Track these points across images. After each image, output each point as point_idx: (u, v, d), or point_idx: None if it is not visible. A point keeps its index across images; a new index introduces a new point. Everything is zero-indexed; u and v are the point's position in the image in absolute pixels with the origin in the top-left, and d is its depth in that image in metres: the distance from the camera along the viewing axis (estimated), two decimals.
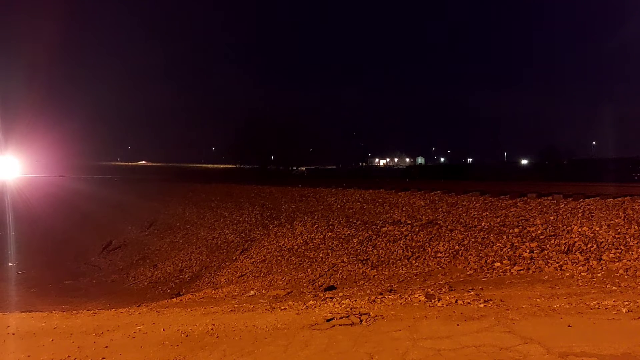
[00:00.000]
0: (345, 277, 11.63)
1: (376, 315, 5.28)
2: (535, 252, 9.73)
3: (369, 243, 13.41)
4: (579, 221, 10.48)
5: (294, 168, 69.42)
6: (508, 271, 9.23)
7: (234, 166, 74.85)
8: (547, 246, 9.83)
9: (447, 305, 5.74)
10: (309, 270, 12.93)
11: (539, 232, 10.61)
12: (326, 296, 8.22)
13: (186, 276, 16.62)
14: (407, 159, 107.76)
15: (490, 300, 5.94)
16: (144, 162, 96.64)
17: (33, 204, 29.86)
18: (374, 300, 6.42)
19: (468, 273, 9.70)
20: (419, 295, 6.57)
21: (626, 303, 5.33)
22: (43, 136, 54.56)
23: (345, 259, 12.84)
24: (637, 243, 8.80)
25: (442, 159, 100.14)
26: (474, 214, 12.99)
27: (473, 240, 11.37)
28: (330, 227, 15.69)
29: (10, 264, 20.78)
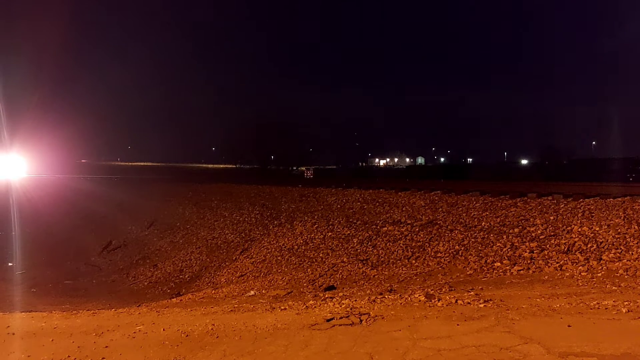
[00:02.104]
0: (345, 277, 11.63)
1: (376, 315, 5.27)
2: (535, 252, 9.73)
3: (369, 243, 13.41)
4: (579, 221, 10.49)
5: (294, 168, 69.47)
6: (508, 271, 9.23)
7: (234, 166, 75.00)
8: (547, 246, 9.83)
9: (447, 305, 5.74)
10: (309, 270, 12.93)
11: (539, 232, 10.61)
12: (326, 296, 8.22)
13: (186, 276, 16.62)
14: (407, 159, 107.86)
15: (490, 300, 5.94)
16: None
17: (35, 203, 29.89)
18: (374, 300, 6.41)
19: (468, 273, 9.70)
20: (419, 295, 6.57)
21: (626, 303, 5.33)
22: (48, 135, 54.66)
23: (345, 259, 12.83)
24: (637, 243, 8.80)
25: (442, 159, 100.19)
26: (474, 214, 12.99)
27: (473, 240, 11.37)
28: (330, 227, 15.69)
29: (10, 264, 20.77)
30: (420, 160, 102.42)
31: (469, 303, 5.79)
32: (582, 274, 8.06)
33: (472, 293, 6.91)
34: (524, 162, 64.79)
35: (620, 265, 8.10)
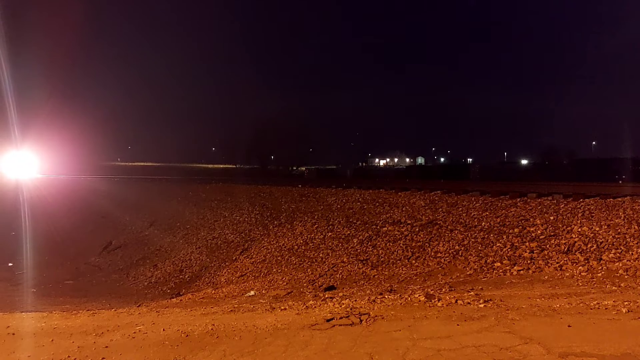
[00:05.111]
0: (345, 277, 11.63)
1: (376, 315, 5.27)
2: (535, 252, 9.73)
3: (369, 243, 13.40)
4: (579, 221, 10.49)
5: (294, 168, 69.51)
6: (508, 271, 9.23)
7: (234, 166, 75.07)
8: (547, 246, 9.83)
9: (447, 305, 5.74)
10: (309, 270, 12.92)
11: (539, 232, 10.61)
12: (326, 296, 8.22)
13: (186, 276, 16.62)
14: (407, 159, 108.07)
15: (490, 300, 5.94)
16: None
17: (37, 204, 29.94)
18: (374, 300, 6.42)
19: (468, 273, 9.70)
20: (419, 295, 6.57)
21: (626, 303, 5.33)
22: (56, 134, 54.84)
23: (345, 259, 12.83)
24: (637, 243, 8.80)
25: (442, 159, 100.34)
26: (474, 214, 12.99)
27: (473, 240, 11.37)
28: (330, 227, 15.69)
29: (10, 264, 20.77)
30: (420, 160, 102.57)
31: (469, 303, 5.79)
32: (582, 274, 8.06)
33: (472, 293, 6.91)
34: (524, 162, 64.94)
35: (620, 265, 8.10)
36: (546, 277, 8.23)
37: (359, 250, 13.18)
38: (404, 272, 10.84)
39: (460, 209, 13.81)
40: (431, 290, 7.66)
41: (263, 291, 11.37)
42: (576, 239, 9.65)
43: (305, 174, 56.78)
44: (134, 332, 5.18)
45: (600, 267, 8.24)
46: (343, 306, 6.00)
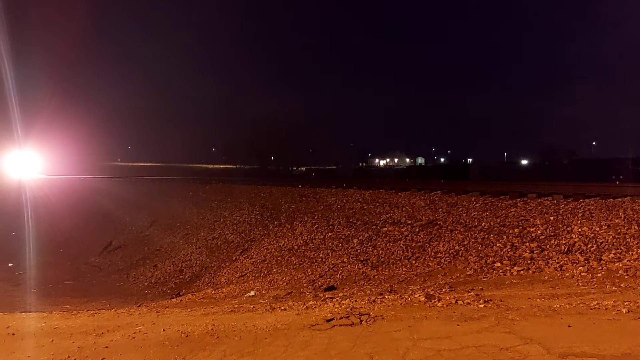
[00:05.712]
0: (345, 277, 11.63)
1: (376, 316, 5.27)
2: (535, 252, 9.73)
3: (369, 243, 13.40)
4: (579, 221, 10.48)
5: (294, 168, 69.57)
6: (508, 271, 9.23)
7: (234, 166, 75.11)
8: (547, 246, 9.83)
9: (447, 306, 5.74)
10: (309, 270, 12.92)
11: (539, 232, 10.61)
12: (326, 296, 8.22)
13: (186, 276, 16.62)
14: (407, 159, 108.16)
15: (491, 300, 5.94)
16: None
17: (38, 204, 29.97)
18: (374, 301, 6.41)
19: (468, 273, 9.69)
20: (419, 296, 6.57)
21: (626, 303, 5.33)
22: (58, 133, 54.89)
23: (345, 259, 12.83)
24: (637, 243, 8.79)
25: (442, 159, 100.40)
26: (474, 214, 12.99)
27: (473, 240, 11.36)
28: (330, 227, 15.68)
29: (10, 264, 20.77)
30: (420, 160, 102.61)
31: (469, 303, 5.79)
32: (582, 274, 8.05)
33: (472, 293, 6.90)
34: (524, 162, 65.04)
35: (621, 265, 8.10)
36: (546, 278, 8.22)
37: (359, 251, 13.18)
38: (404, 272, 10.84)
39: (461, 209, 13.81)
40: (431, 290, 7.65)
41: (263, 291, 11.37)
42: (576, 239, 9.65)
43: (313, 174, 56.77)
44: (134, 333, 5.18)
45: (600, 268, 8.23)
46: (343, 306, 6.00)
